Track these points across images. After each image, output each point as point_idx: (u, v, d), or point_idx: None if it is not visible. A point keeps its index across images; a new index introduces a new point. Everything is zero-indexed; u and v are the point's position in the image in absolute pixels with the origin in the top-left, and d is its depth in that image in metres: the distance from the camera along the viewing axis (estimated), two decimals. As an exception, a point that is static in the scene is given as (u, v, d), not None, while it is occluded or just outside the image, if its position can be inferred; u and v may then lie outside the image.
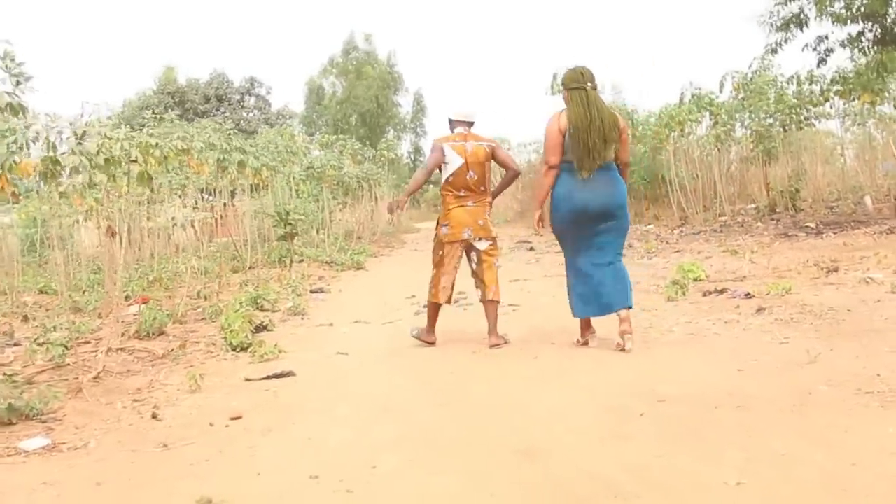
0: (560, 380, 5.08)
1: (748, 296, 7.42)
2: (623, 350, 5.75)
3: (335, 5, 76.22)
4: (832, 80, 15.71)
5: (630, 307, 5.97)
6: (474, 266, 6.68)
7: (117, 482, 3.65)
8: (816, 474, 3.05)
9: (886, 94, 15.47)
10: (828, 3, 13.54)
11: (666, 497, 2.99)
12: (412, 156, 49.03)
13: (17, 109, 5.06)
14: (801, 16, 14.22)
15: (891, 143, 17.70)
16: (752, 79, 17.73)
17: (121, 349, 6.99)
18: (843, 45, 14.17)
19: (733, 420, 3.85)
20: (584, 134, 5.75)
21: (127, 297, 10.24)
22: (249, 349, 6.74)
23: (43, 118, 5.42)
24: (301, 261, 15.39)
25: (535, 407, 4.46)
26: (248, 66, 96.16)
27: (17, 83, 5.05)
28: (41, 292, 12.16)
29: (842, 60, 15.23)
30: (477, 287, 6.70)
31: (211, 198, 18.18)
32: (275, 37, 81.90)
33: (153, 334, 7.66)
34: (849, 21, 13.65)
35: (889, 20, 13.43)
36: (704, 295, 7.83)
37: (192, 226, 16.41)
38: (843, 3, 13.41)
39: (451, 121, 6.74)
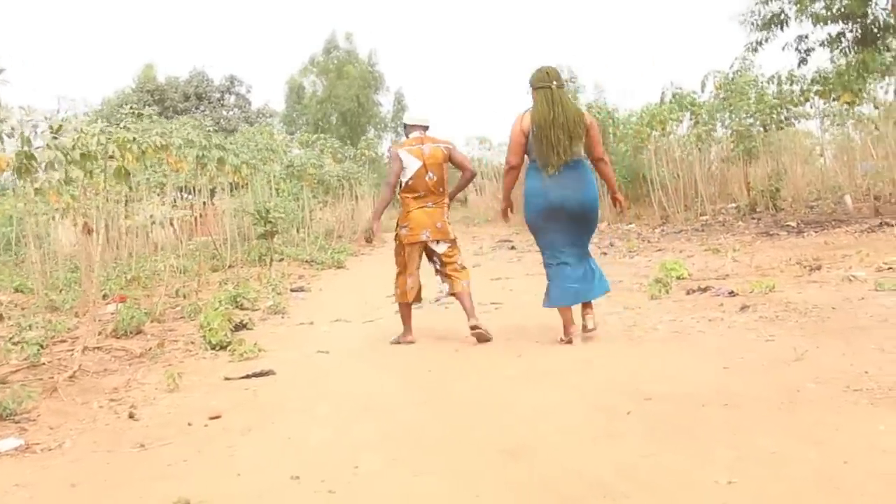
0: (545, 378, 5.02)
1: (732, 294, 7.39)
2: (586, 329, 6.03)
3: (316, 4, 75.90)
4: (812, 80, 15.75)
5: (607, 290, 6.27)
6: (438, 267, 6.82)
7: (92, 483, 3.56)
8: (808, 472, 2.99)
9: (865, 95, 15.54)
10: (808, 3, 13.59)
11: (656, 496, 2.93)
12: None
13: (-11, 102, 4.96)
14: (782, 15, 14.27)
15: (869, 144, 17.79)
16: (733, 78, 17.78)
17: (98, 348, 6.88)
18: (823, 45, 14.22)
19: (721, 418, 3.80)
20: (547, 131, 5.88)
21: (105, 296, 10.12)
22: (229, 348, 6.66)
23: (17, 112, 5.29)
24: (281, 259, 15.30)
25: (521, 405, 4.39)
26: (229, 64, 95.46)
27: (-12, 74, 4.94)
28: (17, 291, 12.00)
29: (822, 60, 15.30)
30: (444, 282, 6.82)
31: (190, 196, 18.04)
32: (255, 35, 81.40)
33: (131, 333, 7.56)
34: (829, 21, 13.70)
35: (869, 20, 13.48)
36: (688, 293, 7.79)
37: (171, 224, 16.28)
38: (823, 4, 13.46)
39: (406, 126, 6.97)
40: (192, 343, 7.07)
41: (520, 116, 6.06)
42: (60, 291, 11.13)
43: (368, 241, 7.32)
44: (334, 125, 43.51)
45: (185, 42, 75.75)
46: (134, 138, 6.70)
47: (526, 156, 6.14)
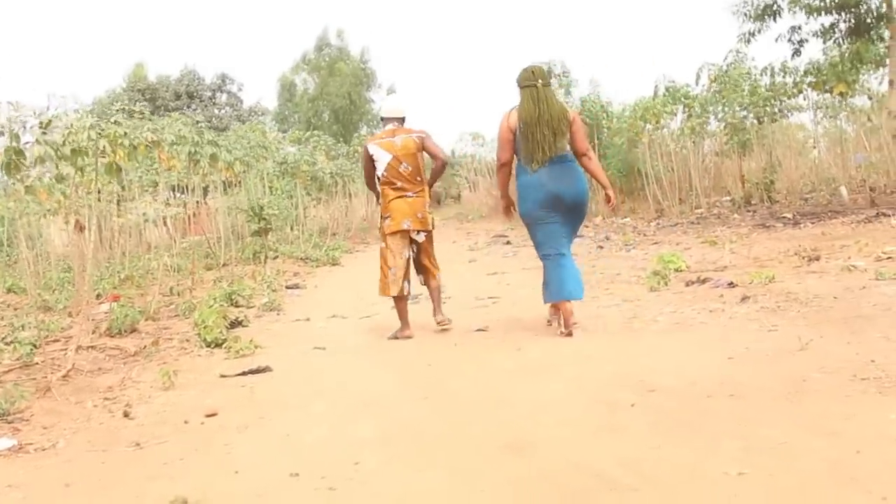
0: (545, 371, 4.95)
1: (731, 285, 7.32)
2: (564, 333, 6.01)
3: (307, 1, 75.67)
4: (805, 72, 15.70)
5: (579, 299, 6.18)
6: (414, 256, 6.93)
7: (87, 483, 3.48)
8: (820, 463, 2.93)
9: (858, 87, 15.49)
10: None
11: (664, 490, 2.86)
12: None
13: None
14: (775, 6, 14.22)
15: (862, 136, 17.75)
16: (727, 71, 17.71)
17: (91, 347, 6.80)
18: (816, 35, 14.17)
19: (727, 409, 3.73)
20: (533, 128, 6.04)
21: (98, 296, 10.04)
22: (224, 345, 6.60)
23: (5, 107, 5.20)
24: (276, 257, 15.22)
25: (521, 399, 4.33)
26: (220, 62, 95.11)
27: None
28: (9, 291, 11.90)
29: (815, 52, 15.28)
30: (419, 273, 7.00)
31: (183, 195, 17.93)
32: (246, 33, 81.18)
33: (125, 332, 7.48)
34: (822, 12, 13.66)
35: (862, 10, 13.43)
36: (687, 285, 7.73)
37: (165, 223, 16.18)
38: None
39: (382, 119, 7.06)
40: (187, 341, 7.00)
41: (506, 114, 6.22)
42: (53, 291, 11.04)
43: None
44: (326, 123, 43.32)
45: (176, 40, 75.43)
46: (125, 133, 6.61)
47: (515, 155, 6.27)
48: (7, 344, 6.77)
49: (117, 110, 7.63)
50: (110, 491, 3.36)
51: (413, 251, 6.91)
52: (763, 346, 4.96)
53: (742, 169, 18.36)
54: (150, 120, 8.42)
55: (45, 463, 3.87)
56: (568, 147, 6.19)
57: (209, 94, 41.23)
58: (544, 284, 6.30)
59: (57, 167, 5.81)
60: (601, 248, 13.23)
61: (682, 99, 18.47)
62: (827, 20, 13.77)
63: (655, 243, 12.81)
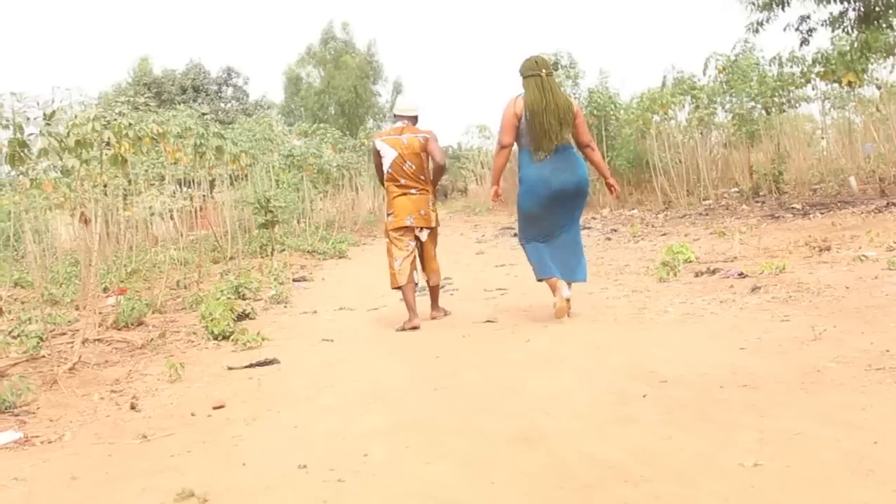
0: (555, 363, 4.89)
1: (742, 275, 7.27)
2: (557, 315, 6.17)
3: (312, -5, 75.51)
4: (814, 61, 15.58)
5: (583, 281, 6.45)
6: (417, 254, 7.06)
7: (93, 476, 3.44)
8: (838, 455, 2.87)
9: (866, 77, 15.37)
10: (811, -19, 13.41)
11: (679, 481, 2.81)
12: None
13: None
14: (783, -6, 14.09)
15: (870, 126, 17.63)
16: (734, 61, 17.60)
17: (98, 340, 6.78)
18: (825, 24, 14.05)
19: (741, 400, 3.68)
20: (540, 117, 6.13)
21: (105, 289, 10.02)
22: (231, 337, 6.55)
23: (9, 98, 5.16)
24: (283, 250, 15.19)
25: (532, 391, 4.28)
26: (225, 56, 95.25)
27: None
28: (16, 285, 11.89)
29: (824, 41, 15.16)
30: (422, 271, 7.15)
31: (189, 189, 17.91)
32: (251, 27, 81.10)
33: (132, 324, 7.47)
34: (831, 1, 13.54)
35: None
36: (696, 275, 7.67)
37: (171, 217, 16.15)
38: (826, -18, 13.28)
39: (395, 115, 7.23)
40: (194, 333, 6.97)
41: (513, 99, 6.28)
42: (60, 285, 11.03)
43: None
44: (333, 116, 43.24)
45: (181, 34, 75.49)
46: (129, 124, 6.56)
47: (515, 142, 6.36)
48: (14, 337, 6.75)
49: (122, 102, 7.57)
50: (117, 484, 3.32)
51: (416, 250, 7.05)
52: (775, 336, 4.91)
53: (750, 160, 18.26)
54: (155, 112, 8.35)
55: (52, 456, 3.83)
56: (570, 138, 6.32)
57: (215, 87, 41.19)
58: (533, 266, 6.48)
59: (61, 159, 5.75)
60: (609, 239, 13.19)
61: (689, 90, 18.36)
62: (836, 9, 13.63)
63: (664, 234, 12.75)
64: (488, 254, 13.06)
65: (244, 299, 8.88)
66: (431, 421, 3.88)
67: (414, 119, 7.06)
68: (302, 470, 3.27)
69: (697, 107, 18.39)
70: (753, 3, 14.37)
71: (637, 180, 20.93)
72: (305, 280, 11.46)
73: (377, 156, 7.02)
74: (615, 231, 14.55)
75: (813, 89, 17.03)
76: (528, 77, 6.27)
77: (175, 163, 12.18)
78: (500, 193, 6.77)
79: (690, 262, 8.50)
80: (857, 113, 18.80)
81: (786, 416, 3.35)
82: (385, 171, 6.96)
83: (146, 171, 14.86)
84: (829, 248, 8.30)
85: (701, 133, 18.74)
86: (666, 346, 5.04)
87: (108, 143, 6.49)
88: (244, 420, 4.18)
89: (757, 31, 14.80)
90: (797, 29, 14.41)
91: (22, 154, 5.21)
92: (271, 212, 14.17)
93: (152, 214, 15.86)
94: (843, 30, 13.83)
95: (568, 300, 6.21)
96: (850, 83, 14.75)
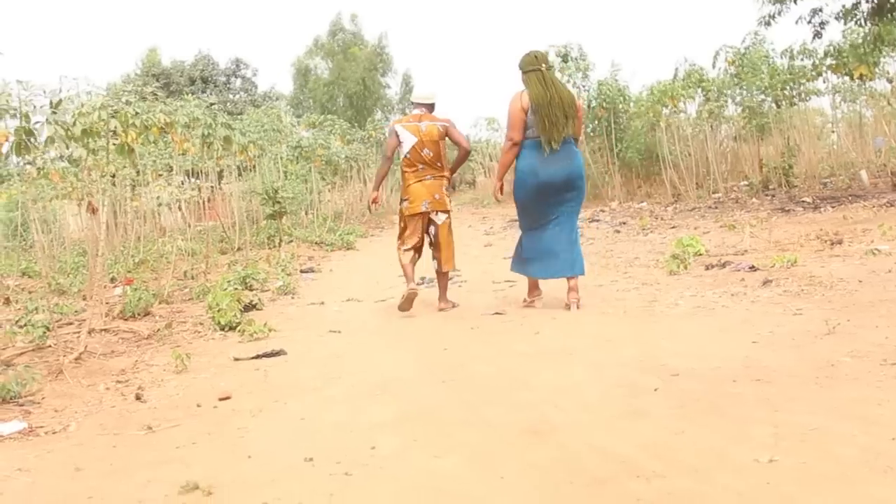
0: (564, 355, 4.84)
1: (753, 269, 7.20)
2: (568, 309, 6.29)
3: (321, -14, 75.23)
4: (825, 54, 15.47)
5: (581, 274, 6.47)
6: (432, 238, 7.19)
7: (97, 467, 3.40)
8: (854, 451, 2.81)
9: (878, 70, 15.24)
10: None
11: (693, 476, 2.75)
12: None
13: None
14: (796, -13, 13.97)
15: (881, 120, 17.50)
16: (744, 53, 17.48)
17: (105, 330, 6.75)
18: (838, 17, 13.93)
19: (754, 394, 3.62)
20: (546, 110, 6.23)
21: (112, 279, 10.00)
22: (238, 328, 6.52)
23: (15, 86, 5.11)
24: (290, 241, 15.17)
25: (541, 383, 4.22)
26: (234, 47, 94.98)
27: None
28: (24, 275, 11.89)
29: (836, 34, 15.05)
30: (434, 258, 7.22)
31: (197, 180, 17.90)
32: (260, 18, 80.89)
33: (139, 315, 7.43)
34: (845, -8, 13.42)
35: (887, -9, 13.18)
36: (707, 268, 7.60)
37: (179, 208, 16.13)
38: (839, -25, 13.18)
39: (412, 103, 7.33)
40: (201, 324, 6.94)
41: (518, 94, 6.38)
42: (68, 275, 11.02)
43: (370, 209, 8.04)
44: (341, 108, 43.17)
45: (189, 25, 75.33)
46: (136, 113, 6.52)
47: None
48: (21, 327, 6.72)
49: (129, 91, 7.52)
50: (121, 475, 3.28)
51: (431, 235, 7.16)
52: (788, 329, 4.85)
53: (760, 153, 18.15)
54: (163, 102, 8.30)
55: (56, 446, 3.79)
56: (572, 130, 6.41)
57: (223, 79, 41.20)
58: (517, 256, 6.79)
59: (67, 147, 5.70)
60: (618, 232, 13.11)
61: (699, 83, 18.23)
62: (849, 0, 13.52)
63: (673, 227, 12.67)
64: (496, 246, 12.99)
65: (251, 290, 8.84)
66: (440, 413, 3.84)
67: (431, 107, 7.17)
68: (308, 462, 3.22)
69: (708, 99, 18.27)
70: (766, -4, 14.28)
71: (646, 173, 20.83)
72: (313, 271, 11.42)
73: (395, 139, 7.07)
74: (624, 224, 14.46)
75: (824, 82, 16.92)
76: (528, 72, 6.38)
77: (183, 153, 12.15)
78: (503, 190, 7.00)
79: (700, 255, 8.43)
80: (868, 107, 18.68)
81: (800, 411, 3.29)
82: (403, 156, 7.07)
83: (154, 161, 14.83)
84: (840, 242, 8.22)
85: (711, 126, 18.62)
86: (677, 339, 4.98)
87: (114, 133, 6.44)
88: (250, 411, 4.14)
89: (769, 23, 14.70)
90: (809, 22, 14.31)
91: (28, 143, 5.16)
92: (279, 203, 14.13)
93: (160, 205, 15.82)
94: (856, 22, 13.71)
95: (577, 298, 6.34)
96: (861, 76, 14.63)
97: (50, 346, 5.92)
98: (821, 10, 14.14)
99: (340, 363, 5.25)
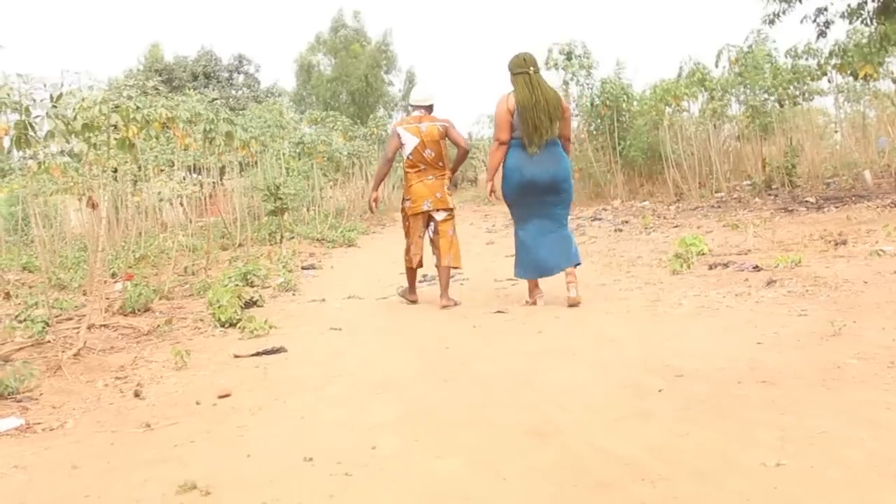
0: (568, 355, 4.80)
1: (756, 269, 7.14)
2: (570, 298, 6.40)
3: (324, -18, 75.09)
4: (830, 53, 15.42)
5: (578, 264, 6.66)
6: (431, 235, 7.34)
7: (94, 466, 3.36)
8: (863, 455, 2.77)
9: (882, 70, 15.19)
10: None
11: (699, 480, 2.71)
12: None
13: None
14: (801, -14, 13.92)
15: (884, 120, 17.45)
16: (747, 52, 17.41)
17: (104, 326, 6.70)
18: (843, 16, 13.88)
19: (759, 396, 3.57)
20: (531, 113, 6.39)
21: (113, 275, 9.96)
22: (238, 325, 6.48)
23: (15, 80, 5.07)
24: (292, 238, 15.14)
25: (544, 383, 4.18)
26: (237, 43, 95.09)
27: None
28: (25, 269, 11.86)
29: (840, 33, 14.99)
30: (433, 254, 7.36)
31: (199, 176, 17.87)
32: (264, 13, 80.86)
33: (139, 311, 7.40)
34: (850, -9, 13.36)
35: (893, -10, 13.12)
36: (710, 268, 7.55)
37: (181, 203, 16.10)
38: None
39: (411, 105, 7.46)
40: (201, 320, 6.90)
41: (505, 96, 6.55)
42: (69, 270, 10.98)
43: (371, 209, 8.18)
44: (344, 104, 43.15)
45: (192, 21, 75.31)
46: (137, 107, 6.47)
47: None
48: (20, 322, 6.68)
49: (131, 86, 7.48)
50: (118, 474, 3.24)
51: (430, 231, 7.32)
52: (793, 330, 4.80)
53: (763, 152, 18.09)
54: (165, 97, 8.26)
55: (53, 443, 3.75)
56: (558, 132, 6.58)
57: (226, 74, 41.20)
58: (515, 261, 6.86)
59: (68, 142, 5.65)
60: (620, 231, 13.05)
61: (701, 82, 18.15)
62: (854, 0, 13.46)
63: (676, 226, 12.61)
64: (498, 244, 12.95)
65: (252, 286, 8.80)
66: (441, 413, 3.79)
67: (429, 108, 7.31)
68: (308, 462, 3.18)
69: (712, 98, 18.21)
70: (771, -6, 14.22)
71: (649, 172, 20.77)
72: (314, 268, 11.39)
73: (397, 141, 7.19)
74: (626, 222, 14.41)
75: (829, 82, 16.86)
76: (516, 74, 6.52)
77: (185, 149, 12.11)
78: (495, 188, 7.04)
79: (704, 254, 8.38)
80: (872, 107, 18.63)
81: (807, 414, 3.25)
82: (406, 158, 7.19)
83: (156, 156, 14.79)
84: (844, 242, 8.17)
85: (714, 125, 18.56)
86: (681, 339, 4.94)
87: (115, 127, 6.39)
88: (250, 409, 4.10)
89: (773, 22, 14.66)
90: (814, 21, 14.25)
91: (28, 137, 5.11)
92: (281, 199, 14.10)
93: (161, 200, 15.79)
94: (862, 21, 13.66)
95: (574, 281, 6.50)
96: (867, 76, 14.57)
97: (49, 342, 5.88)
98: (826, 9, 14.09)
99: (341, 361, 5.21)
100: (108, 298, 7.83)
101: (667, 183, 19.02)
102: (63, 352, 5.42)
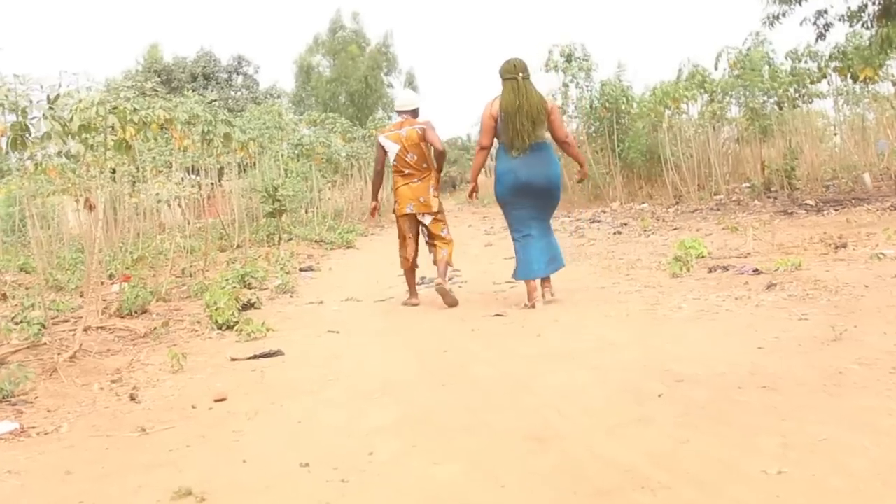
0: (567, 359, 4.76)
1: (756, 272, 7.11)
2: (543, 297, 6.69)
3: (323, -17, 75.05)
4: (831, 56, 15.39)
5: (562, 266, 6.97)
6: (427, 239, 7.54)
7: (88, 471, 3.33)
8: (866, 463, 2.73)
9: (882, 73, 15.17)
10: (829, -25, 13.23)
11: (700, 488, 2.67)
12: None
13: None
14: (801, -12, 13.88)
15: (884, 123, 17.43)
16: (746, 54, 17.38)
17: (101, 328, 6.68)
18: (843, 19, 13.85)
19: (761, 402, 3.54)
20: (513, 118, 6.52)
21: (111, 276, 9.93)
22: (236, 327, 6.46)
23: (12, 80, 5.03)
24: (290, 239, 15.11)
25: (543, 388, 4.14)
26: (237, 44, 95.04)
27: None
28: (21, 271, 11.82)
29: (840, 36, 14.96)
30: (430, 252, 7.53)
31: (197, 177, 17.84)
32: (264, 14, 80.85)
33: (136, 312, 7.37)
34: (852, -6, 13.33)
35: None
36: (710, 271, 7.51)
37: (179, 204, 16.06)
38: (845, -24, 13.10)
39: (397, 112, 7.63)
40: (198, 323, 6.87)
41: (489, 103, 6.68)
42: (66, 271, 10.94)
43: (372, 215, 8.41)
44: (343, 105, 43.11)
45: (191, 22, 75.26)
46: (135, 108, 6.44)
47: (495, 139, 6.80)
48: (16, 324, 6.65)
49: (128, 87, 7.45)
50: (112, 479, 3.21)
51: (424, 234, 7.53)
52: (794, 335, 4.76)
53: (762, 155, 18.07)
54: (163, 98, 8.23)
55: (47, 448, 3.72)
56: (547, 135, 6.75)
57: (225, 75, 41.08)
58: (517, 265, 6.90)
59: (64, 142, 5.62)
60: (619, 233, 13.02)
61: (701, 84, 18.12)
62: (856, 2, 13.44)
63: (675, 229, 12.58)
64: (497, 246, 12.91)
65: (250, 288, 8.78)
66: (439, 417, 3.76)
67: (414, 112, 7.46)
68: (304, 468, 3.15)
69: (712, 100, 18.18)
70: (771, -4, 14.18)
71: (648, 174, 20.75)
72: (312, 270, 11.36)
73: (381, 151, 7.40)
74: (625, 225, 14.38)
75: (829, 84, 16.85)
76: (505, 80, 6.63)
77: (183, 150, 12.08)
78: (476, 190, 7.39)
79: (703, 257, 8.34)
80: (871, 110, 18.61)
81: (809, 420, 3.21)
82: (391, 164, 7.38)
83: (154, 158, 14.76)
84: (845, 246, 8.13)
85: (713, 127, 18.54)
86: (681, 343, 4.90)
87: (112, 129, 6.36)
88: (246, 414, 4.07)
89: (773, 24, 14.61)
90: (814, 23, 14.22)
91: (24, 138, 5.08)
92: (279, 200, 14.07)
93: (159, 201, 15.75)
94: (863, 24, 13.63)
95: (550, 285, 6.83)
96: (867, 78, 14.55)
97: (45, 344, 5.86)
98: (825, 11, 14.06)
99: (339, 364, 5.18)
100: (105, 300, 7.81)
101: (666, 185, 18.99)
102: (59, 354, 5.39)
